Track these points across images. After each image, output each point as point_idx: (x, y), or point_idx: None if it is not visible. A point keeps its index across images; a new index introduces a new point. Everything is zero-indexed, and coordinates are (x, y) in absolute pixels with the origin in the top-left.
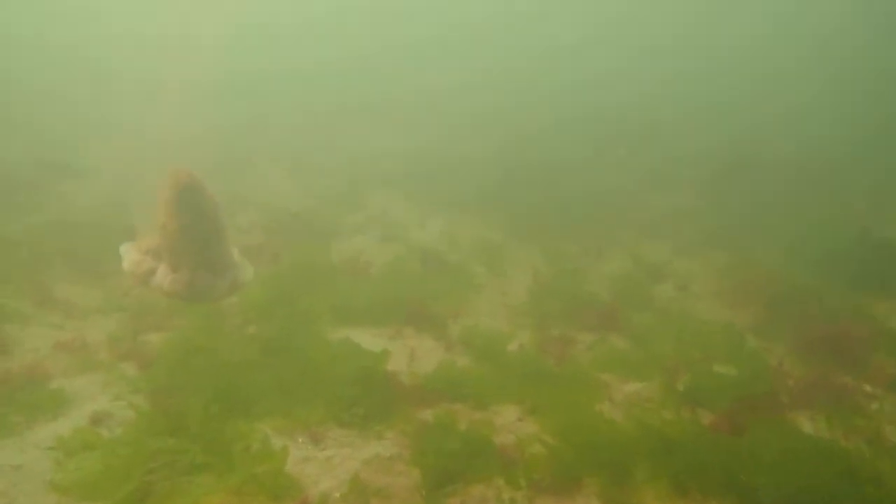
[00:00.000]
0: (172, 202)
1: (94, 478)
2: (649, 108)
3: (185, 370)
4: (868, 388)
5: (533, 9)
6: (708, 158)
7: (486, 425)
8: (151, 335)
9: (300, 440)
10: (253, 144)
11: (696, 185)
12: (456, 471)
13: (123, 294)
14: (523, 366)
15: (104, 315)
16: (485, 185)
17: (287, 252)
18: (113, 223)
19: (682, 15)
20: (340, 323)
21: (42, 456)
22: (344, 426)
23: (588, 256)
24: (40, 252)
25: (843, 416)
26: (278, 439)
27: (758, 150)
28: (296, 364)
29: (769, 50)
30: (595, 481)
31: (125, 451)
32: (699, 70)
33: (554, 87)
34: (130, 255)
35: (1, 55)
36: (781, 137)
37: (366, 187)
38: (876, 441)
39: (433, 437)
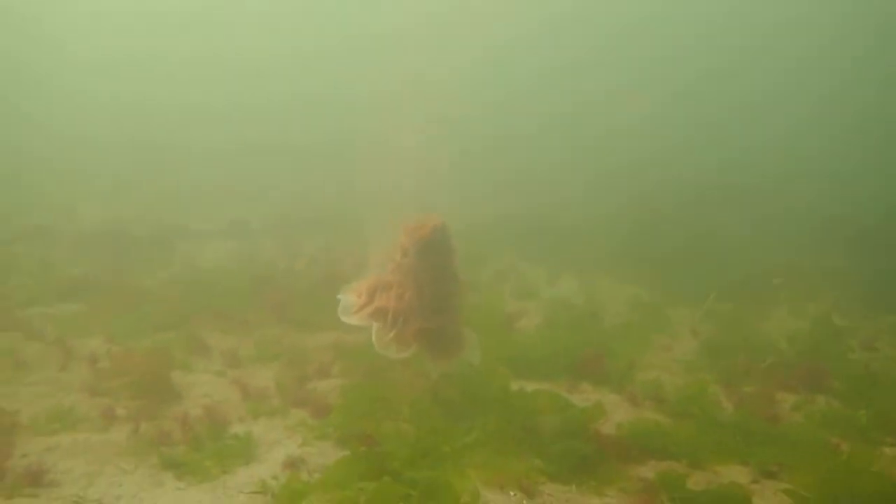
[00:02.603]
0: (420, 247)
1: None
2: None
3: (370, 418)
4: None
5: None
6: (842, 217)
7: (720, 486)
8: (318, 382)
9: (512, 494)
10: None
11: (838, 242)
12: None
13: (276, 343)
14: (729, 423)
15: (262, 363)
16: (608, 244)
17: None
18: (247, 279)
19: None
20: (521, 375)
21: (249, 500)
22: (556, 481)
23: (746, 313)
24: (184, 304)
25: None
26: (489, 492)
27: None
28: (493, 415)
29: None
30: None
31: (341, 496)
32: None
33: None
34: (348, 298)
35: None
36: None
37: (484, 248)
38: None
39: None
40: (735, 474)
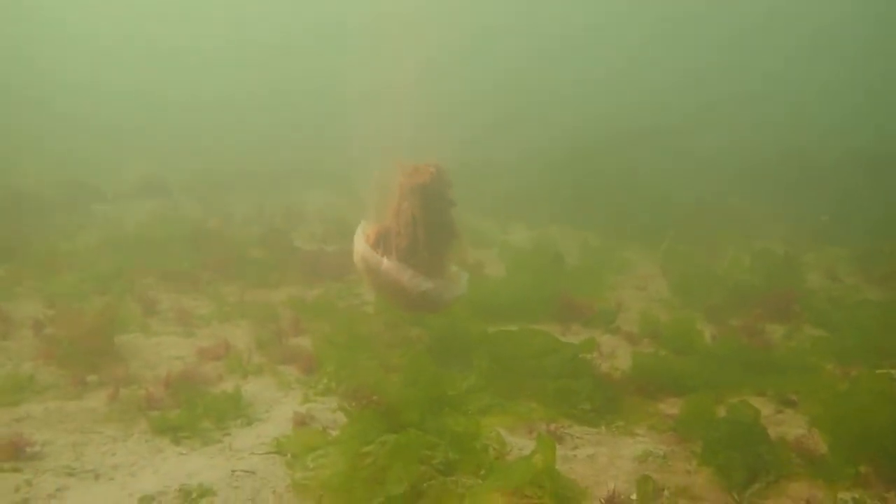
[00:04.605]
0: (419, 192)
1: (343, 479)
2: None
3: (364, 371)
4: None
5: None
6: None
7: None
8: (298, 339)
9: None
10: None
11: (763, 183)
12: (754, 467)
13: (237, 301)
14: (732, 356)
15: (229, 322)
16: (550, 194)
17: None
18: (182, 239)
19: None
20: (493, 322)
21: (265, 461)
22: (583, 423)
23: (700, 252)
24: (121, 266)
25: None
26: (513, 437)
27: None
28: (487, 359)
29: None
30: None
31: (362, 449)
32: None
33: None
34: (362, 240)
35: None
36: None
37: None
38: None
39: (703, 432)
40: (756, 405)
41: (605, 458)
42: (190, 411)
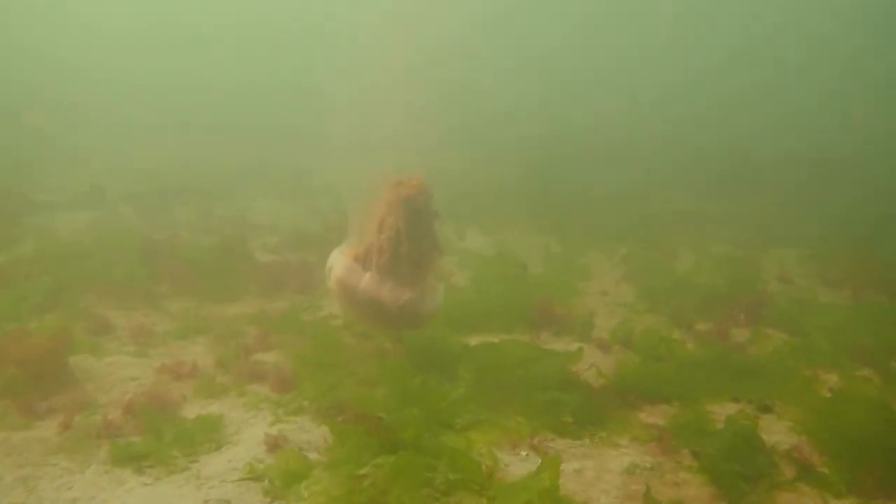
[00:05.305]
0: (403, 205)
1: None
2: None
3: (343, 387)
4: None
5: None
6: (708, 161)
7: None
8: (263, 355)
9: (524, 454)
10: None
11: (707, 186)
12: (745, 477)
13: (194, 317)
14: (706, 361)
15: (186, 339)
16: (505, 200)
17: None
18: (124, 250)
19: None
20: (463, 332)
21: (239, 488)
22: (564, 436)
23: (657, 257)
24: (63, 281)
25: None
26: (499, 453)
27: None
28: (469, 372)
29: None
30: None
31: (355, 471)
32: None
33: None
34: (343, 262)
35: None
36: (779, 138)
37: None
38: None
39: (693, 443)
40: (731, 412)
41: (592, 472)
42: (156, 438)
